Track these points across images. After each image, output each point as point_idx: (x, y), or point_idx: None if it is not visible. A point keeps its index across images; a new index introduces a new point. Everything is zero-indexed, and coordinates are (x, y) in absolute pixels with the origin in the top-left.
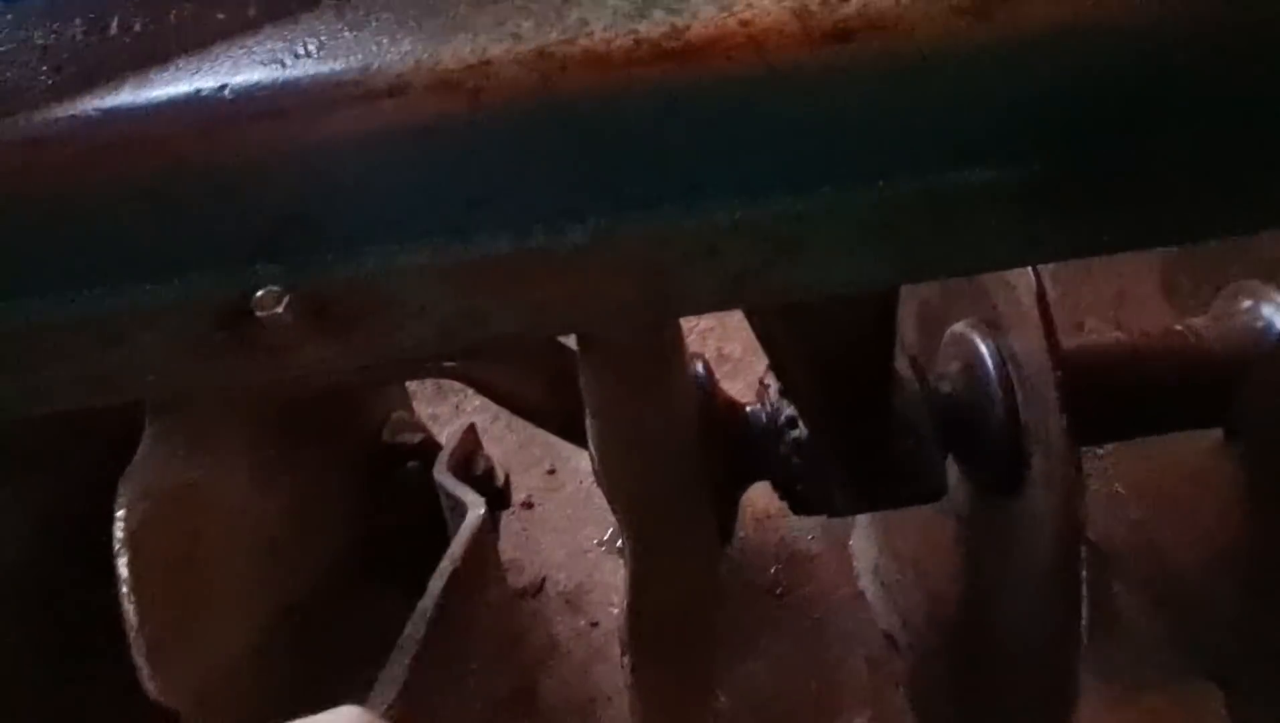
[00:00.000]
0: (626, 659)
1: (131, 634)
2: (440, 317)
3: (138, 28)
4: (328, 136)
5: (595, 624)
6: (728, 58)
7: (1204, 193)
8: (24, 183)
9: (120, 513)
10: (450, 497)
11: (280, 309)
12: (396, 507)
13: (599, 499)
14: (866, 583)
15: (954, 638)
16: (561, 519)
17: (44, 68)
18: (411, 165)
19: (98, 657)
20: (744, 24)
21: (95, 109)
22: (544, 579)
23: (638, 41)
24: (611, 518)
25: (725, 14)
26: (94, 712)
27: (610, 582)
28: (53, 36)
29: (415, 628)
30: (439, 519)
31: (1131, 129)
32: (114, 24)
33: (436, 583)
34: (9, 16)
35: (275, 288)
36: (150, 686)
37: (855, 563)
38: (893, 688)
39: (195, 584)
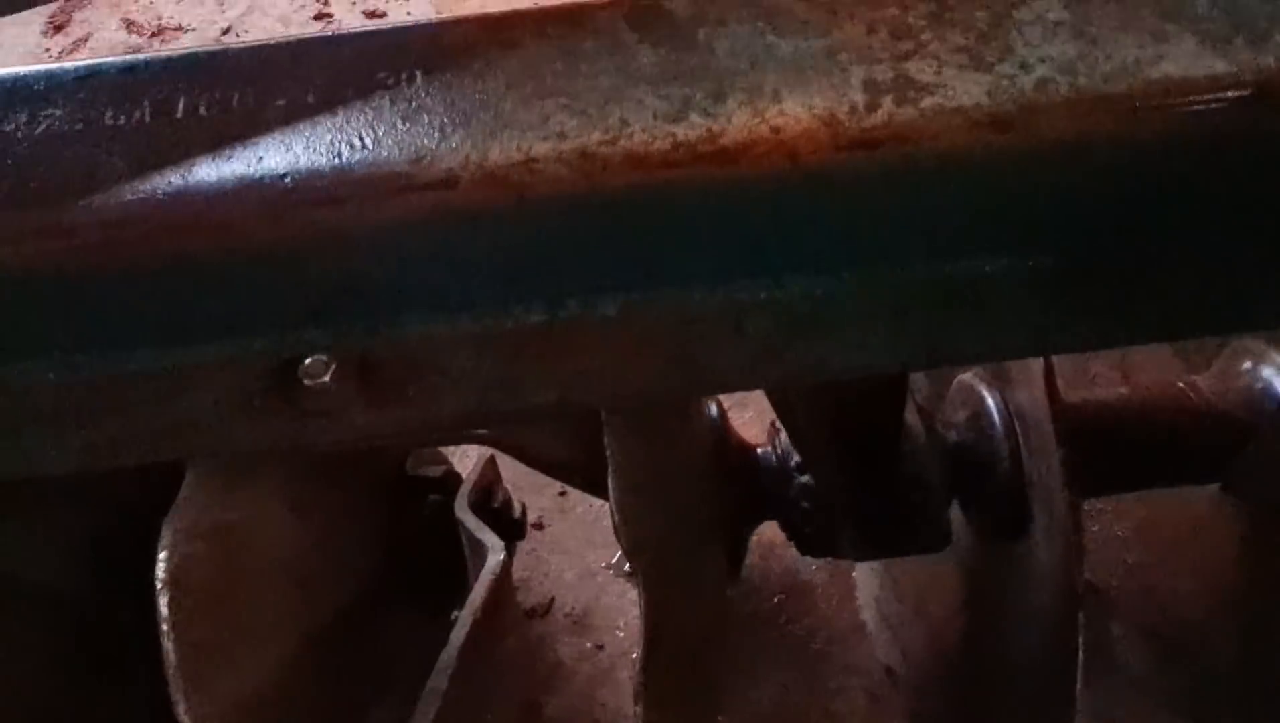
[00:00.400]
0: (639, 698)
1: (169, 671)
2: (479, 385)
3: (203, 111)
4: (380, 222)
5: (601, 647)
6: (759, 161)
7: (1212, 290)
8: (96, 258)
9: (163, 555)
10: (470, 535)
11: (327, 377)
12: (419, 538)
13: (608, 522)
14: (868, 616)
15: (953, 676)
16: (571, 541)
17: (116, 149)
18: (456, 247)
19: (129, 680)
20: (775, 130)
21: (165, 193)
22: (552, 600)
23: (675, 145)
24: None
25: (758, 120)
26: None
27: (617, 605)
28: (123, 118)
29: (438, 681)
30: (459, 549)
31: (1141, 229)
32: (180, 107)
33: (458, 633)
34: (81, 95)
35: (323, 357)
36: (185, 719)
37: (857, 595)
38: (891, 721)
39: (230, 618)
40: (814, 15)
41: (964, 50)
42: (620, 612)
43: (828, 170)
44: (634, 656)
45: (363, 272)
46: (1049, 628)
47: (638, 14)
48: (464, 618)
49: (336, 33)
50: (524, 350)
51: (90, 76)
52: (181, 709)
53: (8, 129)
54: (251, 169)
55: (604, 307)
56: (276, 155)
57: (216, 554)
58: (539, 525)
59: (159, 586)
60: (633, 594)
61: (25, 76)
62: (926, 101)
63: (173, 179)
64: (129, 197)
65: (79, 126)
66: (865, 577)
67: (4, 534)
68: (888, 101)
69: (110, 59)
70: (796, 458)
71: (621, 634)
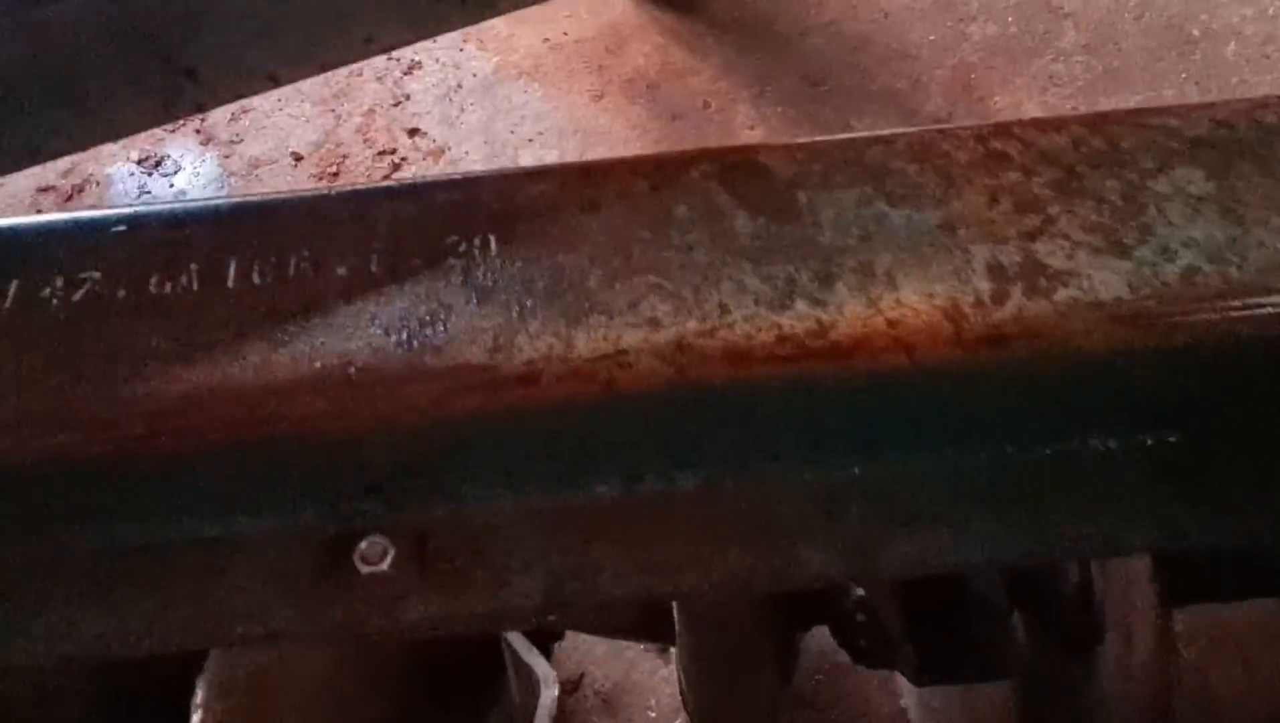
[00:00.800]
0: None
1: None
2: (549, 572)
3: (256, 278)
4: (452, 415)
5: None
6: (873, 358)
7: None
8: (138, 448)
9: (195, 716)
10: (518, 659)
11: (386, 565)
12: (456, 652)
13: None
14: (910, 702)
15: None
16: None
17: (162, 325)
18: (530, 433)
19: None
20: (892, 324)
21: (216, 383)
22: (581, 676)
23: (781, 339)
24: None
25: (872, 311)
26: None
27: (648, 683)
28: (169, 285)
29: None
30: (497, 662)
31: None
32: (232, 272)
33: None
34: (123, 254)
35: (380, 540)
36: None
37: (900, 684)
38: None
39: None
40: (928, 179)
41: (1098, 229)
42: (651, 690)
43: (948, 367)
44: None
45: (425, 454)
46: None
47: (732, 172)
48: None
49: (400, 183)
50: (595, 528)
51: (133, 230)
52: None
53: (44, 295)
54: (311, 353)
55: (684, 482)
56: (338, 337)
57: (252, 704)
58: None
59: None
60: (665, 672)
61: (62, 226)
62: (1060, 294)
63: (225, 364)
64: (176, 386)
65: (121, 294)
66: None
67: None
68: (1017, 292)
69: (154, 207)
70: None
71: (653, 714)
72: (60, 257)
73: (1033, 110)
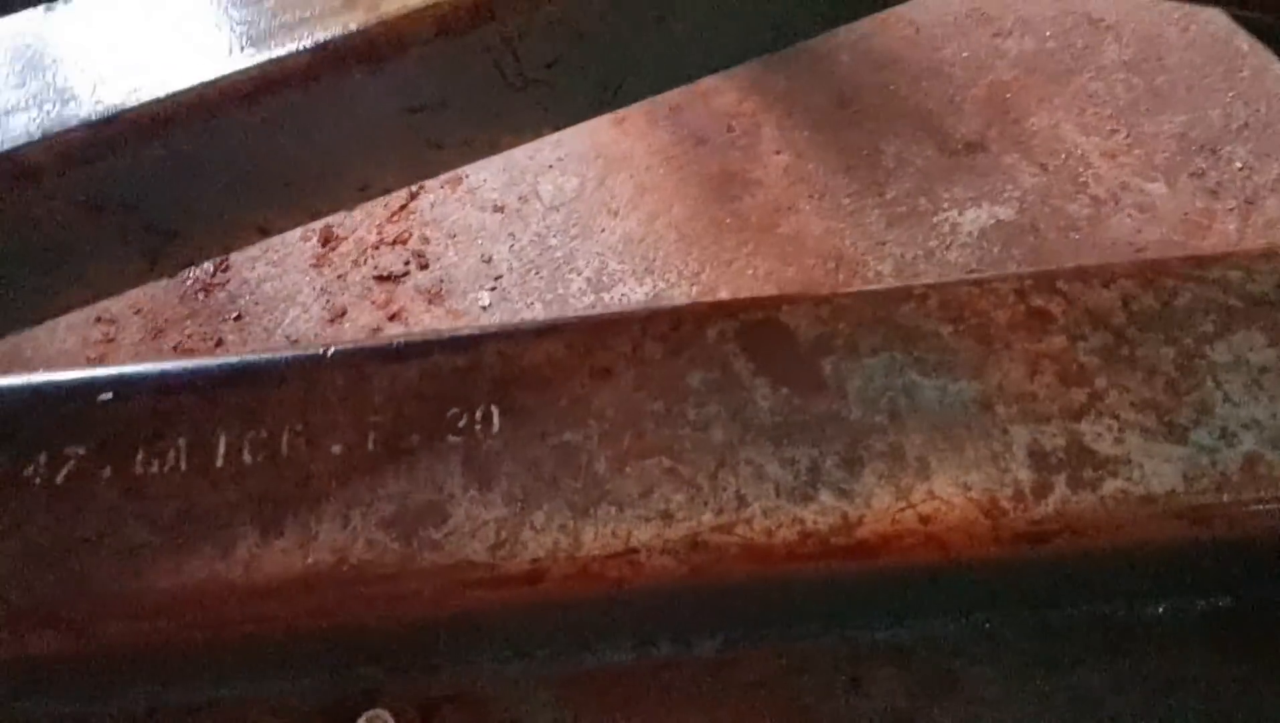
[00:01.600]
0: None
1: None
2: None
3: (247, 458)
4: (448, 614)
5: None
6: (904, 555)
7: None
8: (125, 648)
9: None
10: None
11: None
12: None
13: None
14: None
15: None
16: None
17: (148, 512)
18: (539, 624)
19: None
20: (924, 520)
21: (203, 582)
22: None
23: (803, 536)
24: None
25: (902, 505)
26: None
27: None
28: (155, 463)
29: None
30: None
31: None
32: (221, 449)
33: None
34: (108, 425)
35: (384, 714)
36: None
37: None
38: None
39: None
40: (963, 343)
41: (1150, 406)
42: None
43: (983, 562)
44: None
45: (426, 641)
46: None
47: (752, 333)
48: None
49: (400, 341)
50: (608, 700)
51: (120, 397)
52: None
53: (26, 474)
54: (304, 547)
55: (700, 648)
56: (333, 527)
57: None
58: None
59: None
60: None
61: (49, 390)
62: (1108, 486)
63: (213, 561)
64: (163, 584)
65: (106, 473)
66: None
67: None
68: (1060, 484)
69: (143, 368)
70: None
71: None
72: (46, 428)
73: (1070, 131)
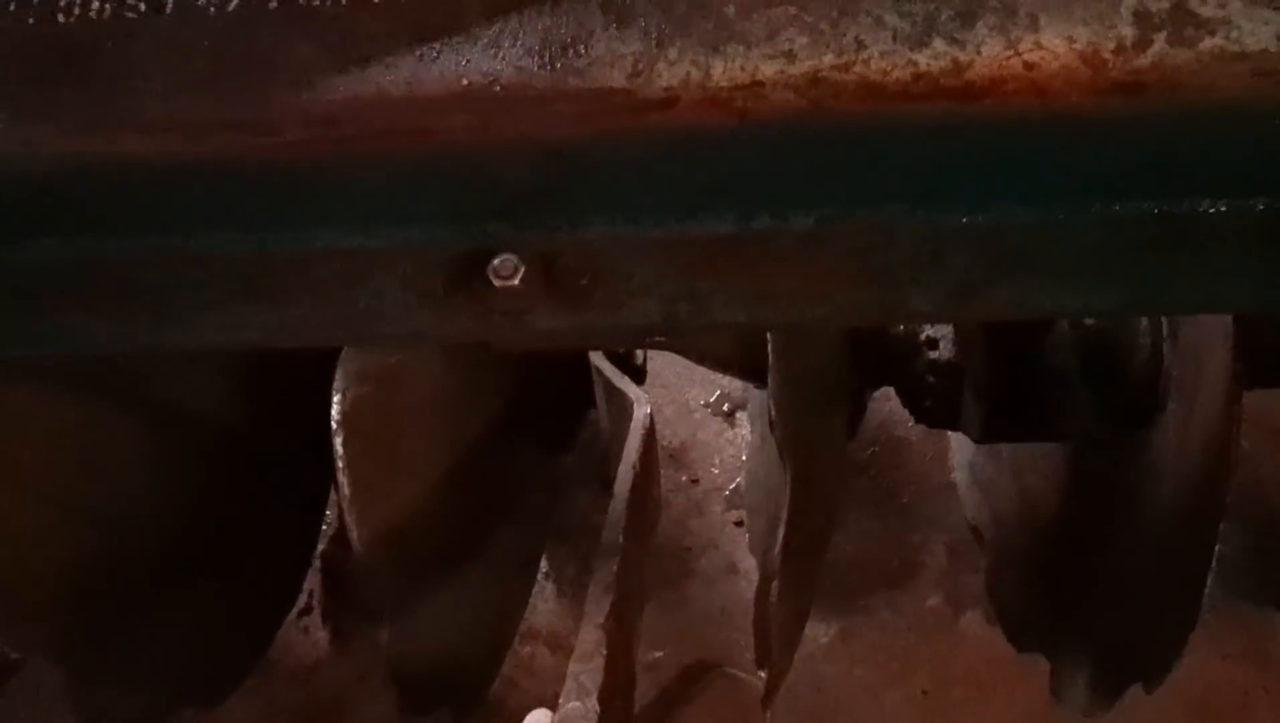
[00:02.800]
0: (779, 551)
1: (342, 501)
2: (665, 296)
3: None
4: (588, 136)
5: (696, 481)
6: (1006, 99)
7: None
8: (292, 153)
9: (336, 397)
10: (609, 386)
11: (517, 280)
12: (546, 377)
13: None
14: (960, 477)
15: (1043, 546)
16: (670, 376)
17: (314, 36)
18: (659, 161)
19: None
20: (1029, 67)
21: (367, 94)
22: None
23: (916, 76)
24: (720, 381)
25: (1010, 52)
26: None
27: (714, 442)
28: (315, 1)
29: (611, 534)
30: (583, 391)
31: None
32: None
33: (623, 486)
34: None
35: (512, 257)
36: (355, 539)
37: (952, 455)
38: (971, 577)
39: (390, 456)
40: None
41: None
42: (716, 449)
43: (1077, 112)
44: (726, 491)
45: (558, 176)
46: (1173, 522)
47: None
48: (623, 472)
49: None
50: (711, 262)
51: None
52: (352, 534)
53: (201, 4)
54: (459, 71)
55: (797, 221)
56: (484, 58)
57: (381, 396)
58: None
59: (334, 426)
60: (729, 433)
61: None
62: (1206, 44)
63: (377, 78)
64: (334, 96)
65: (273, 4)
66: (962, 441)
67: (176, 372)
68: (1160, 40)
69: None
70: (927, 334)
71: (716, 471)
72: None
73: None
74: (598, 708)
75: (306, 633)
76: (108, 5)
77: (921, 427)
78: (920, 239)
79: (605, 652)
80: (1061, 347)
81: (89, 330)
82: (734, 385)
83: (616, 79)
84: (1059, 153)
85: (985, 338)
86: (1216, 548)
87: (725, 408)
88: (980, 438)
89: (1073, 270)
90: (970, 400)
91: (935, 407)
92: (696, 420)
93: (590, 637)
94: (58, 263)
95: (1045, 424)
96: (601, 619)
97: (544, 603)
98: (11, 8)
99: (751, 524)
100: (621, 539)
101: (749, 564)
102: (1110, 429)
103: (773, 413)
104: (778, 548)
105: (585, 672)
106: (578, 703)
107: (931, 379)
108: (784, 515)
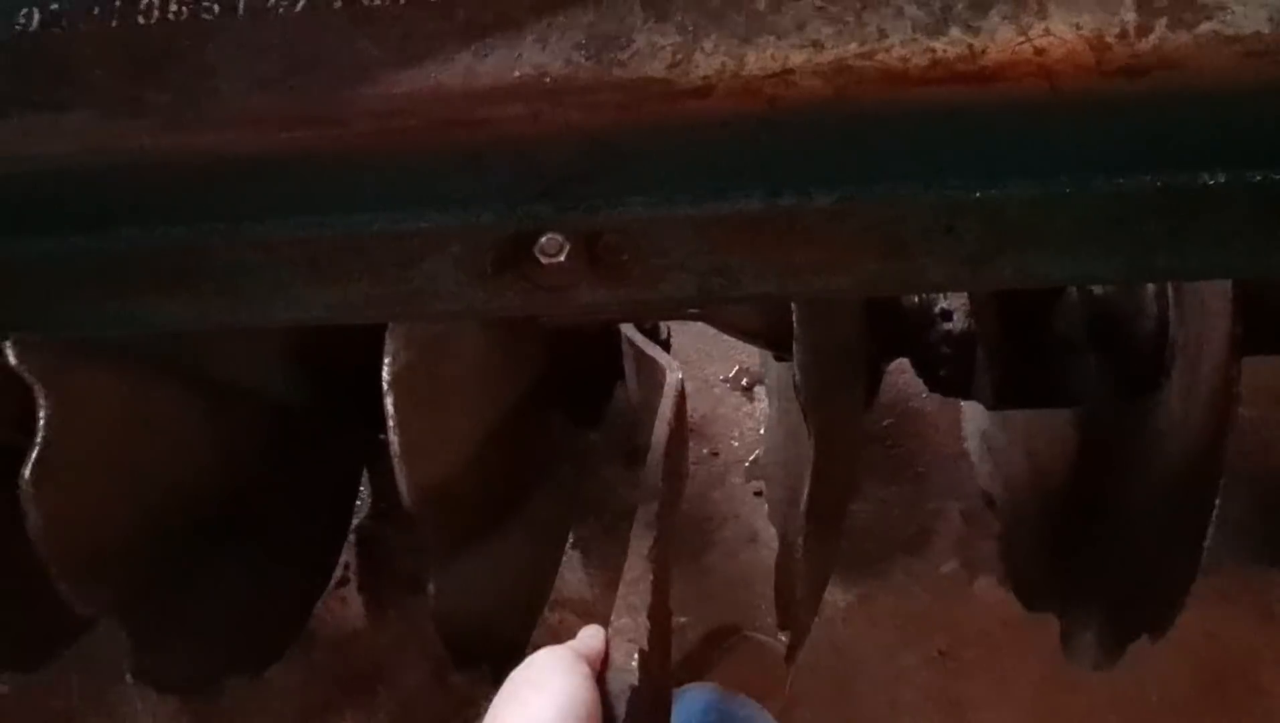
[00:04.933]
0: (803, 518)
1: (394, 458)
2: (699, 270)
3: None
4: (629, 123)
5: (716, 454)
6: (1016, 83)
7: None
8: (355, 143)
9: (387, 360)
10: (640, 353)
11: (563, 257)
12: (577, 349)
13: (727, 339)
14: (973, 446)
15: (1054, 511)
16: (692, 352)
17: (377, 35)
18: (693, 145)
19: (326, 460)
20: (1038, 52)
21: (427, 88)
22: None
23: (934, 62)
24: (738, 357)
25: (1021, 39)
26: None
27: (733, 417)
28: (377, 1)
29: (652, 476)
30: (611, 362)
31: None
32: None
33: (659, 437)
34: None
35: (558, 236)
36: (405, 494)
37: (965, 425)
38: (984, 542)
39: (435, 414)
40: None
41: None
42: (736, 423)
43: (1083, 94)
44: (746, 463)
45: (600, 160)
46: (1175, 481)
47: None
48: (658, 433)
49: None
50: (740, 236)
51: None
52: (403, 487)
53: (270, 4)
54: (512, 64)
55: (821, 198)
56: (534, 52)
57: (427, 361)
58: None
59: (385, 387)
60: (748, 407)
61: None
62: (1203, 27)
63: (436, 73)
64: (390, 89)
65: (337, 5)
66: (974, 410)
67: (230, 350)
68: (1161, 25)
69: None
70: (942, 306)
71: (736, 444)
72: None
73: None
74: (648, 624)
75: (344, 604)
76: (185, 8)
77: (935, 398)
78: (934, 213)
79: (651, 578)
80: (1071, 315)
81: (168, 311)
82: (752, 361)
83: (656, 70)
84: (1065, 131)
85: (997, 308)
86: (1217, 503)
87: (744, 383)
88: (993, 405)
89: (1078, 240)
90: (983, 368)
91: (949, 376)
92: (716, 395)
93: (637, 565)
94: (140, 249)
95: (1055, 390)
96: (646, 551)
97: (571, 573)
98: (95, 12)
99: (770, 494)
100: (660, 483)
101: (769, 533)
102: (1117, 395)
103: (798, 379)
104: (802, 509)
105: (634, 593)
106: (628, 619)
107: (946, 349)
108: (807, 479)
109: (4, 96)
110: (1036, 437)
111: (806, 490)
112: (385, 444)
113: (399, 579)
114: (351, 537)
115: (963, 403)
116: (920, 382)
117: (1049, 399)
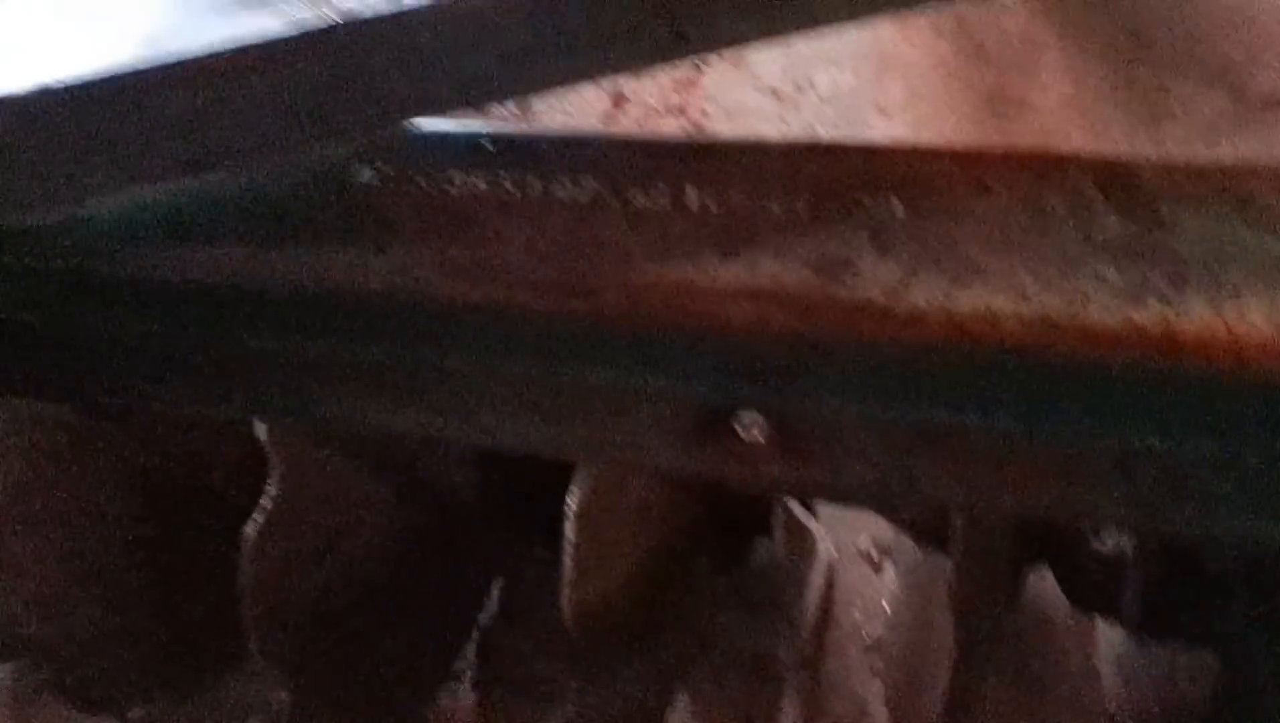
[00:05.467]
0: None
1: (564, 582)
2: (880, 467)
3: (711, 207)
4: (842, 335)
5: (836, 623)
6: (1207, 358)
7: None
8: (607, 320)
9: (574, 492)
10: (792, 518)
11: (762, 438)
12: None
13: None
14: (1105, 667)
15: None
16: (825, 515)
17: (643, 232)
18: (897, 363)
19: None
20: (1231, 332)
21: (677, 281)
22: None
23: (1130, 327)
24: (871, 528)
25: (1215, 318)
26: None
27: (857, 586)
28: (643, 198)
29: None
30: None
31: None
32: (694, 198)
33: (810, 611)
34: (611, 168)
35: (758, 415)
36: (568, 612)
37: (1095, 641)
38: None
39: (606, 544)
40: None
41: None
42: (859, 593)
43: (1270, 376)
44: (866, 636)
45: (809, 361)
46: None
47: (1107, 177)
48: (810, 597)
49: (820, 142)
50: (924, 446)
51: (609, 151)
52: (565, 606)
53: (532, 195)
54: (750, 273)
55: (1004, 425)
56: (772, 265)
57: (609, 497)
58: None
59: (569, 513)
60: (874, 580)
61: (540, 142)
62: None
63: (682, 267)
64: (643, 276)
65: (614, 204)
66: (1111, 630)
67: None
68: None
69: (610, 132)
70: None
71: (859, 616)
72: (565, 163)
73: None
74: None
75: (455, 698)
76: (486, 185)
77: (1067, 609)
78: (1111, 455)
79: None
80: (1227, 556)
81: (408, 417)
82: (882, 532)
83: (875, 295)
84: (1247, 398)
85: (1155, 539)
86: None
87: (872, 555)
88: (1138, 631)
89: (1249, 503)
90: (1133, 592)
91: (1094, 592)
92: (844, 563)
93: None
94: (401, 366)
95: (1205, 627)
96: None
97: (674, 714)
98: (412, 175)
99: (890, 675)
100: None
101: (882, 714)
102: (1270, 643)
103: (952, 580)
104: (940, 707)
105: None
106: None
107: (1093, 566)
108: (946, 676)
109: (335, 234)
110: (1179, 669)
111: (947, 681)
112: (530, 556)
113: (512, 681)
114: (474, 636)
115: (1099, 621)
116: (1057, 591)
117: (1191, 637)
